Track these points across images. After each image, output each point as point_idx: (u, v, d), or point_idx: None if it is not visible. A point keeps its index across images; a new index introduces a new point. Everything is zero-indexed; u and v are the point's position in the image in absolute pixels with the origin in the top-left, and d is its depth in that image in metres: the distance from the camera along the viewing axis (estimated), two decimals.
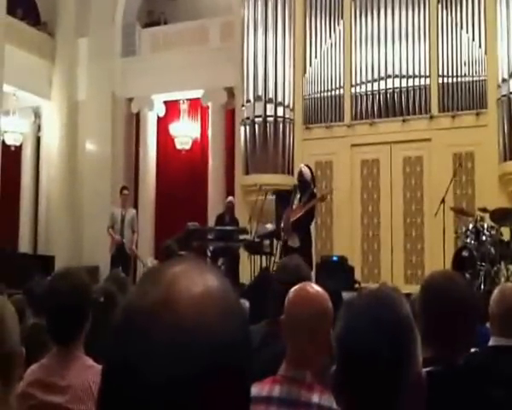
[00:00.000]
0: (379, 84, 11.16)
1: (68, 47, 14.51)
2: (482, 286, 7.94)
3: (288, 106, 11.76)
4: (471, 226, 8.51)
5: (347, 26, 11.54)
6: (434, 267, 7.49)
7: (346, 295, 5.41)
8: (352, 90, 11.39)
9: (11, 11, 13.33)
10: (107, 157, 14.10)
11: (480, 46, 10.66)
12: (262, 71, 11.83)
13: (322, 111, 11.60)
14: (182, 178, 13.91)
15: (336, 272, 9.01)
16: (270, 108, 11.70)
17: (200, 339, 0.64)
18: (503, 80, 10.22)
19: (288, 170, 11.53)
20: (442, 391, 1.74)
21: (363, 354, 1.17)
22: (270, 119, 11.67)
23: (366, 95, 11.27)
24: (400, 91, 11.05)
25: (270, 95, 11.73)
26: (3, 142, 13.91)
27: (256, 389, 2.04)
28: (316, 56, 11.76)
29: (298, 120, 11.77)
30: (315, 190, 8.64)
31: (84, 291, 2.44)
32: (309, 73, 11.77)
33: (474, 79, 10.62)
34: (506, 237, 8.50)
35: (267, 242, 9.53)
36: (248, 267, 9.67)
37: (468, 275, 8.05)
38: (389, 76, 11.10)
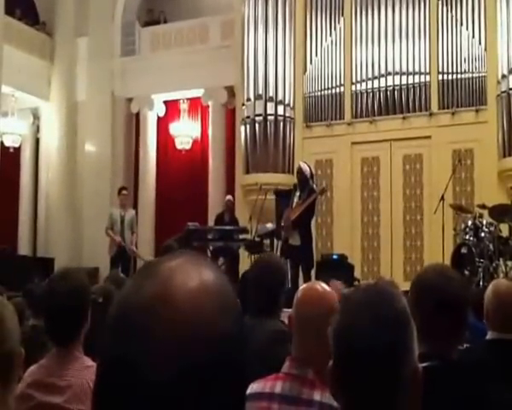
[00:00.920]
0: (379, 82, 11.14)
1: (67, 47, 14.46)
2: (481, 283, 7.93)
3: (289, 104, 11.74)
4: (470, 223, 8.50)
5: (348, 24, 11.52)
6: None
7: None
8: (353, 87, 11.37)
9: (9, 11, 13.28)
10: (107, 157, 14.06)
11: (479, 43, 10.65)
12: (262, 69, 11.80)
13: (323, 109, 11.58)
14: (182, 178, 13.88)
15: (336, 270, 9.01)
16: (270, 107, 11.67)
17: (198, 333, 0.64)
18: (503, 77, 10.21)
19: (289, 169, 11.50)
20: (438, 386, 1.74)
21: (361, 349, 1.16)
22: (271, 117, 11.65)
23: (366, 92, 11.26)
24: (400, 89, 11.04)
25: (271, 93, 11.70)
26: (2, 143, 13.86)
27: (259, 386, 2.05)
28: (316, 54, 11.74)
29: (298, 118, 11.75)
30: (314, 187, 8.62)
31: (82, 292, 2.44)
32: (309, 71, 11.75)
33: (474, 75, 10.60)
34: (505, 234, 8.50)
35: (267, 241, 9.54)
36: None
37: (467, 272, 8.06)
38: (389, 73, 11.09)
